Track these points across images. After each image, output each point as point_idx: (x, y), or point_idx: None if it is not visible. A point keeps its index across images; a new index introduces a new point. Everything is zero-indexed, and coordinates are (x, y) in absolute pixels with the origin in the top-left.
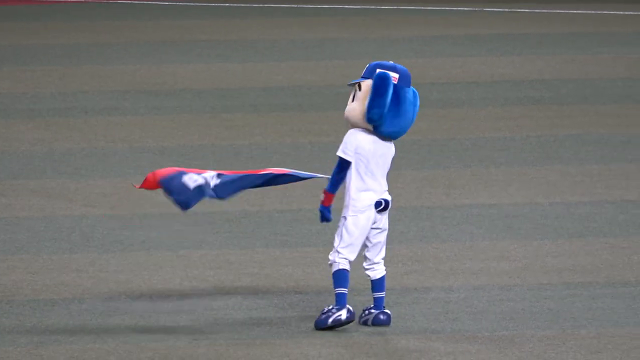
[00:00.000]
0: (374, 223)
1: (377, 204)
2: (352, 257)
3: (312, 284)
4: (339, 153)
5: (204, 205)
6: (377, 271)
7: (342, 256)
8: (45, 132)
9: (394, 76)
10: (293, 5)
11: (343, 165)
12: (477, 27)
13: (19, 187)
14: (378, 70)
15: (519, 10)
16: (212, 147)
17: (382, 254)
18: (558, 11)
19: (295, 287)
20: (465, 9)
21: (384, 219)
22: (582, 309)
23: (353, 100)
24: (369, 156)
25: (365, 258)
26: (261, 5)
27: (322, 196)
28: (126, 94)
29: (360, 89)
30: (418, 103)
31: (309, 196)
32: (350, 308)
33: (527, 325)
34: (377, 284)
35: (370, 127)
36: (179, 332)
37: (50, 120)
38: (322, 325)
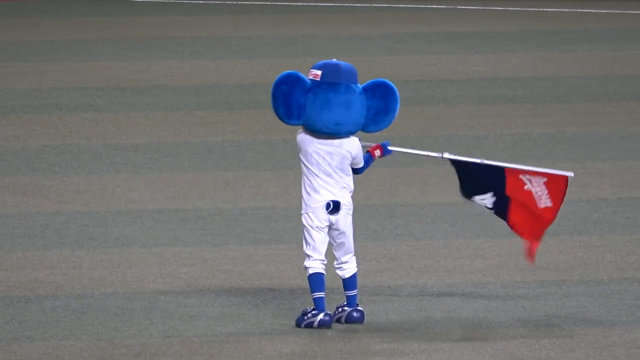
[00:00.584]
0: (331, 224)
1: (326, 206)
2: (321, 257)
3: (286, 281)
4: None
5: (177, 202)
6: (347, 270)
7: (312, 259)
8: (19, 128)
9: (316, 74)
10: (266, 3)
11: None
12: (451, 25)
13: None
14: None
15: (493, 8)
16: (185, 144)
17: (350, 253)
18: (532, 9)
19: (269, 284)
20: (440, 6)
21: (341, 220)
22: (555, 307)
23: None
24: (312, 157)
25: (335, 257)
26: (234, 2)
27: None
28: (100, 91)
29: None
30: (384, 98)
31: (282, 193)
32: (329, 313)
33: (501, 323)
34: (348, 283)
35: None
36: (153, 329)
37: (24, 117)
38: (298, 324)
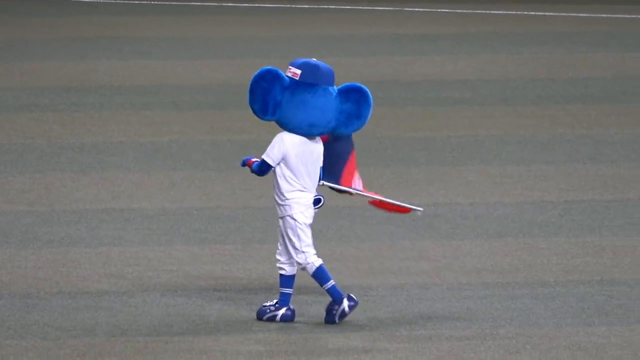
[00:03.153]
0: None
1: (317, 201)
2: (315, 250)
3: (231, 282)
4: (265, 157)
5: (123, 201)
6: (294, 267)
7: (312, 253)
8: None
9: (295, 72)
10: (212, 4)
11: (264, 167)
12: (397, 27)
13: None
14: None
15: (441, 10)
16: (131, 144)
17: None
18: (479, 11)
19: (215, 284)
20: (388, 8)
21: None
22: (500, 309)
23: None
24: (297, 158)
25: (279, 252)
26: (181, 3)
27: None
28: (45, 90)
29: None
30: (357, 103)
31: (228, 193)
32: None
33: (446, 325)
34: (290, 280)
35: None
36: (98, 329)
37: None
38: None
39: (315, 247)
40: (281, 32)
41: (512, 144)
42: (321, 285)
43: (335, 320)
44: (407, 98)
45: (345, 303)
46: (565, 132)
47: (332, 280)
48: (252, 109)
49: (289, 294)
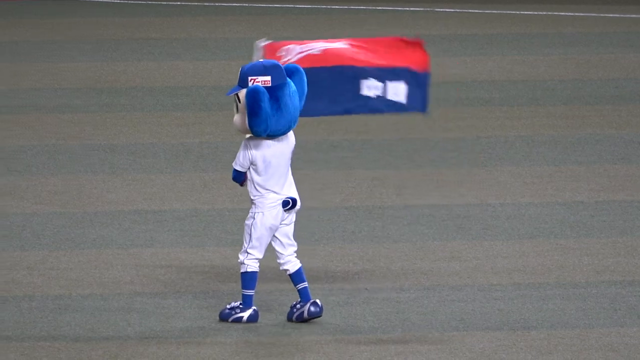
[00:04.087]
0: (282, 220)
1: (285, 203)
2: (261, 256)
3: (263, 282)
4: (235, 166)
5: (155, 203)
6: (293, 263)
7: (251, 257)
8: None
9: (265, 80)
10: (244, 5)
11: (234, 174)
12: (427, 28)
13: None
14: (249, 85)
15: (470, 10)
16: (162, 145)
17: (294, 246)
18: (508, 12)
19: None
20: (416, 9)
21: (292, 216)
22: (532, 310)
23: (237, 111)
24: (266, 163)
25: (278, 253)
26: (212, 4)
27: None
28: (78, 92)
29: (239, 101)
30: (300, 83)
31: None
32: (256, 309)
33: (478, 326)
34: (296, 277)
35: None
36: (130, 330)
37: (2, 117)
38: (224, 319)
39: (347, 248)
40: (312, 33)
41: (542, 145)
42: (242, 288)
43: (227, 319)
44: (437, 99)
45: (247, 313)
46: (596, 132)
47: (252, 291)
48: (256, 131)
49: (306, 288)
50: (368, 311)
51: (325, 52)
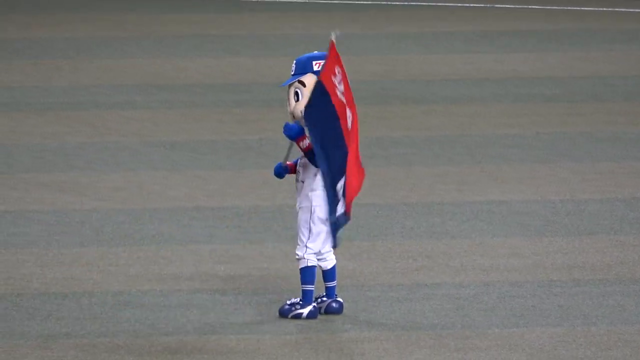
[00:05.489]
0: None
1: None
2: (318, 249)
3: (322, 279)
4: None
5: (215, 199)
6: (328, 261)
7: (310, 251)
8: (57, 126)
9: (320, 62)
10: (301, 1)
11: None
12: (488, 24)
13: (30, 180)
14: (313, 69)
15: (531, 7)
16: (223, 142)
17: (329, 243)
18: (569, 8)
19: None
20: (477, 5)
21: None
22: (592, 306)
23: (297, 98)
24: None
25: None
26: (271, 0)
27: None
28: (138, 88)
29: (304, 86)
30: None
31: None
32: (316, 305)
33: (537, 322)
34: (328, 274)
35: None
36: (189, 326)
37: (62, 114)
38: (284, 315)
39: (406, 244)
40: (372, 29)
41: (603, 141)
42: (301, 284)
43: (287, 315)
44: (498, 95)
45: (307, 310)
46: None
47: (313, 286)
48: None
49: (334, 287)
50: (428, 307)
51: (352, 129)
